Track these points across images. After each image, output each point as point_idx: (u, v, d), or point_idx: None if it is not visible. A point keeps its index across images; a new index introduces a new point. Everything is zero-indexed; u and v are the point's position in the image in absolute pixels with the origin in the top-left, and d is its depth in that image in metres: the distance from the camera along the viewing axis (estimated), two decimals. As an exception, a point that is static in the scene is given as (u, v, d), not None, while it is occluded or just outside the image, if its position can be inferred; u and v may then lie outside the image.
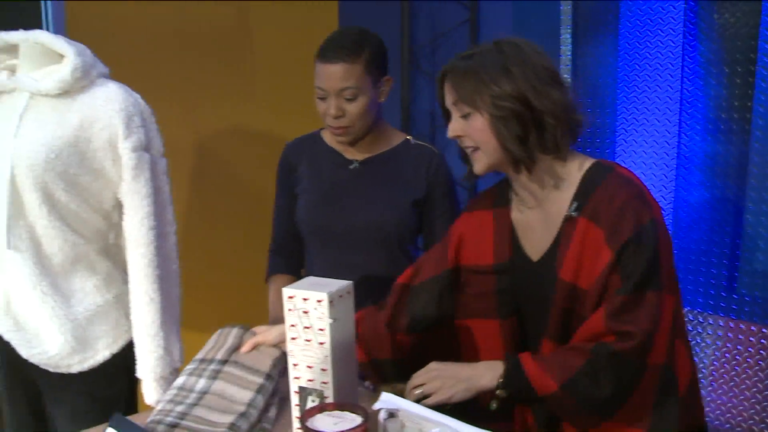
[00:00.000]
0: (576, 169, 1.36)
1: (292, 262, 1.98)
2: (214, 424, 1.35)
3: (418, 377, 1.38)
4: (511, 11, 2.91)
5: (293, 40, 3.11)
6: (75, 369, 1.60)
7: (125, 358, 1.67)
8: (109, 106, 1.53)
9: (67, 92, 1.53)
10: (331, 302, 1.28)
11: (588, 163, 1.36)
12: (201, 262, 2.55)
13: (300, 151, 1.92)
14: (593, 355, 1.24)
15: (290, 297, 1.30)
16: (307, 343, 1.31)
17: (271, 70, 3.06)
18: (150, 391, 1.62)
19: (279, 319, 1.86)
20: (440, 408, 1.28)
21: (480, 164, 1.37)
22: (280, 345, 1.52)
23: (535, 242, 1.39)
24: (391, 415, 1.24)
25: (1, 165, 1.49)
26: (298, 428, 1.36)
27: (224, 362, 1.48)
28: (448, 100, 1.37)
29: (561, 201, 1.35)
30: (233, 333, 1.54)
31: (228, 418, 1.37)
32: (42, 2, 2.40)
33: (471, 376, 1.33)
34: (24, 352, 1.56)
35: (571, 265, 1.30)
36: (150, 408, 1.63)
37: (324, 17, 3.31)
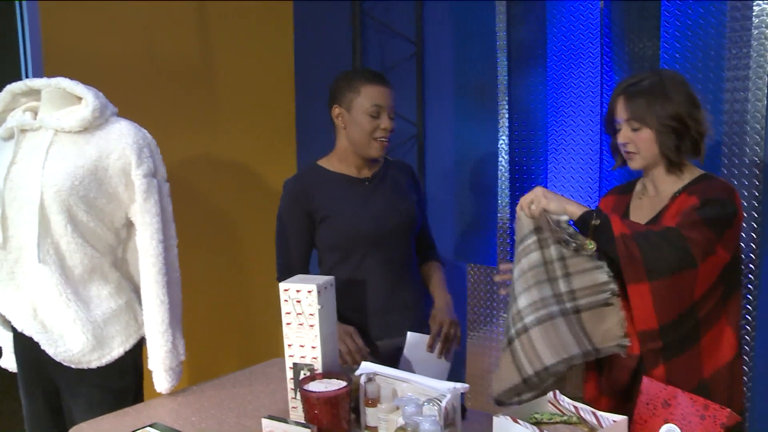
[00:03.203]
0: (692, 173, 1.78)
1: None
2: None
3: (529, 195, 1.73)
4: (453, 47, 3.22)
5: (253, 74, 3.40)
6: (94, 365, 1.86)
7: (134, 354, 1.95)
8: (122, 140, 1.83)
9: (86, 129, 1.82)
10: (319, 292, 1.60)
11: (700, 171, 1.79)
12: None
13: (310, 183, 2.16)
14: (666, 229, 1.64)
15: (285, 290, 1.61)
16: (300, 326, 1.62)
17: (234, 99, 3.34)
18: (161, 381, 1.89)
19: None
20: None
21: (636, 164, 1.79)
22: None
23: (641, 218, 1.82)
24: (370, 379, 1.56)
25: (31, 192, 1.77)
26: (293, 398, 1.67)
27: None
28: (621, 115, 1.78)
29: (672, 190, 1.77)
30: None
31: None
32: (17, 2, 2.55)
33: (566, 202, 1.71)
34: (51, 350, 1.82)
35: (668, 221, 1.71)
36: (158, 396, 1.91)
37: (280, 56, 3.63)
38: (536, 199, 1.70)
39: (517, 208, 1.76)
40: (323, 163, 2.21)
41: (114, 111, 1.90)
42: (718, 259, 1.65)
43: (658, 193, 1.82)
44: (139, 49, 2.93)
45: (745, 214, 2.36)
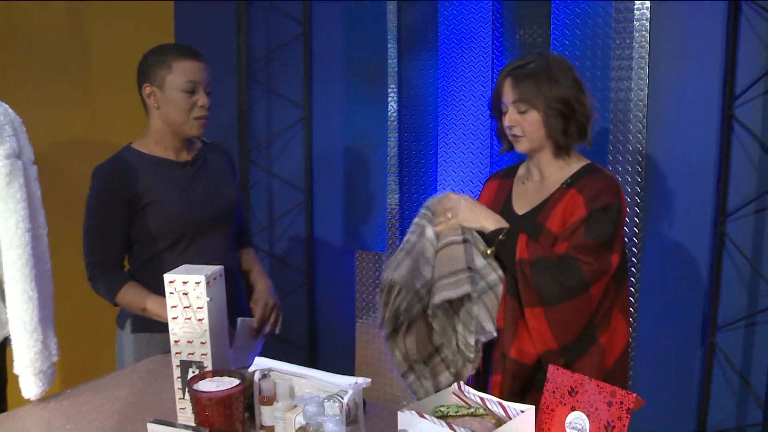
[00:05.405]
0: (578, 161, 1.81)
1: (126, 273, 2.07)
2: None
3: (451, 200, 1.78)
4: (342, 28, 3.14)
5: (130, 51, 3.18)
6: (-53, 370, 1.66)
7: (-5, 358, 1.76)
8: (-20, 116, 1.62)
9: None
10: (207, 283, 1.48)
11: (586, 161, 1.81)
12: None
13: (129, 168, 2.00)
14: (561, 258, 1.65)
15: (171, 282, 1.48)
16: (187, 321, 1.49)
17: (108, 77, 3.12)
18: (29, 386, 1.69)
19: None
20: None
21: (522, 147, 1.79)
22: None
23: (525, 203, 1.83)
24: (264, 375, 1.46)
25: None
26: (181, 398, 1.54)
27: None
28: (507, 97, 1.76)
29: (559, 178, 1.78)
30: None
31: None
32: None
33: (483, 217, 1.76)
34: None
35: (555, 219, 1.72)
36: (27, 402, 1.72)
37: (160, 34, 3.43)
38: (455, 210, 1.73)
39: (428, 207, 1.80)
40: (138, 146, 2.05)
41: (-30, 85, 1.69)
42: (612, 269, 1.68)
43: (543, 178, 1.82)
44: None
45: (628, 199, 2.42)
